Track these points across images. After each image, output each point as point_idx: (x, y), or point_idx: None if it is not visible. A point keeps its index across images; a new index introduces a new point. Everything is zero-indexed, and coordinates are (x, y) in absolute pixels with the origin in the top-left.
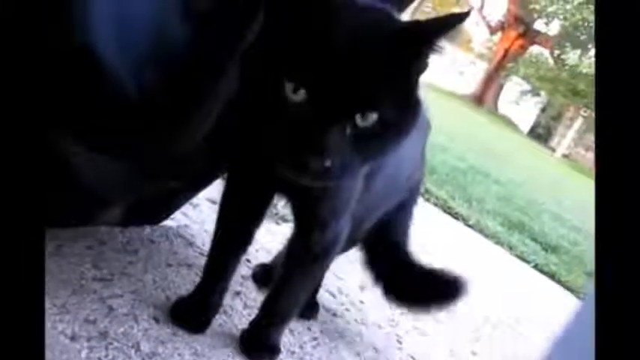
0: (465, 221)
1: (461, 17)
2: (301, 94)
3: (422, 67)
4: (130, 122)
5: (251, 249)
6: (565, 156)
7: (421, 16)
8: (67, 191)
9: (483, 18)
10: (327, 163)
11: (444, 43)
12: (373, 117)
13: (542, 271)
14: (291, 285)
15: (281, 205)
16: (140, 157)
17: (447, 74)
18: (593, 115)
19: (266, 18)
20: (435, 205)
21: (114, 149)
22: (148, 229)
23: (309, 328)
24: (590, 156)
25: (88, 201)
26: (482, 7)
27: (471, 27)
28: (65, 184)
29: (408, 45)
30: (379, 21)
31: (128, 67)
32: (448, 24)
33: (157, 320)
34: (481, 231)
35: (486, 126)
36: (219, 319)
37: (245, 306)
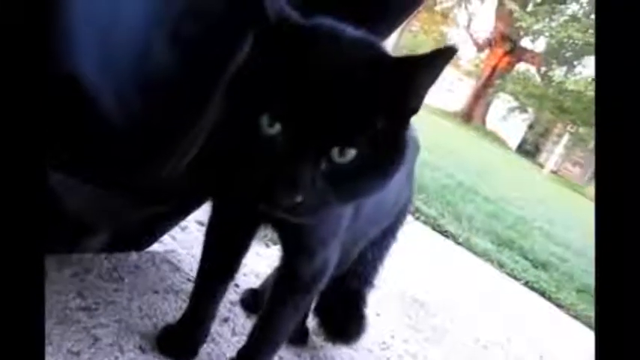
0: (455, 239)
1: (448, 54)
2: (277, 128)
3: (411, 105)
4: (114, 150)
5: (239, 273)
6: (553, 172)
7: (408, 35)
8: (52, 218)
9: (471, 35)
10: (298, 199)
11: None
12: (351, 153)
13: (532, 289)
14: (280, 314)
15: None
16: (125, 184)
17: (435, 91)
18: (580, 130)
19: (249, 48)
20: (425, 223)
21: (98, 176)
22: (134, 255)
23: (298, 355)
24: (578, 171)
25: (73, 228)
26: (469, 24)
27: (459, 44)
28: (49, 211)
29: (395, 81)
30: (364, 53)
31: (113, 95)
32: (441, 61)
33: (143, 350)
34: (471, 249)
35: (475, 142)
36: (207, 347)
37: (233, 333)
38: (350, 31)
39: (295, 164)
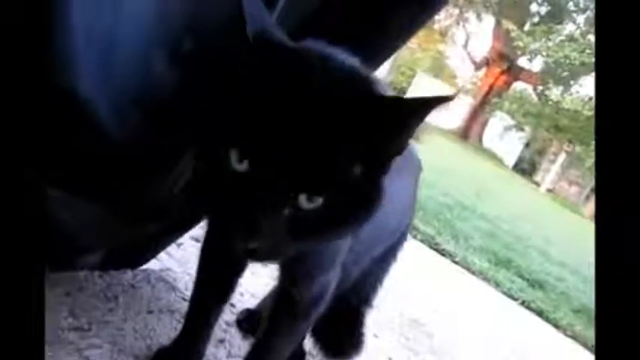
0: (452, 258)
1: (444, 99)
2: (245, 165)
3: (392, 150)
4: (111, 167)
5: (235, 293)
6: (549, 190)
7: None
8: (45, 234)
9: (468, 54)
10: (254, 246)
11: (420, 128)
12: (319, 201)
13: (529, 308)
14: (277, 338)
15: None
16: (120, 202)
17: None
18: (577, 149)
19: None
20: (422, 241)
21: (93, 193)
22: (128, 274)
23: None
24: (574, 190)
25: (67, 245)
26: (467, 43)
27: (456, 63)
28: (43, 227)
29: (379, 122)
30: (348, 88)
31: (111, 112)
32: (432, 105)
33: None
34: (468, 268)
35: (471, 161)
36: None
37: (229, 355)
38: (338, 59)
39: (256, 210)
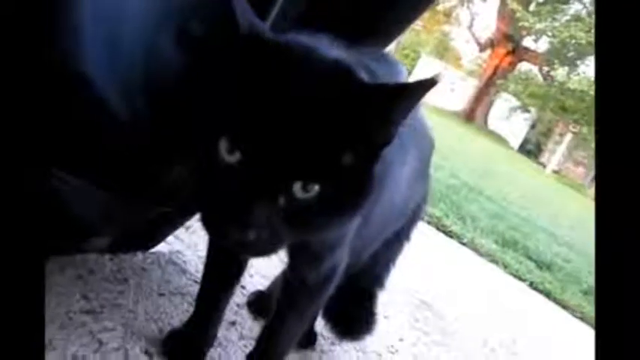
0: (460, 239)
1: (429, 84)
2: (236, 156)
3: (382, 138)
4: (121, 150)
5: (245, 275)
6: (555, 171)
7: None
8: (54, 218)
9: (473, 35)
10: (250, 237)
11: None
12: (315, 189)
13: (537, 289)
14: (287, 320)
15: None
16: (127, 186)
17: (437, 91)
18: (583, 130)
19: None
20: (429, 223)
21: (103, 177)
22: (139, 256)
23: (306, 358)
24: (580, 171)
25: (77, 229)
26: (471, 24)
27: (461, 44)
28: (52, 211)
29: (368, 111)
30: (336, 79)
31: (120, 95)
32: (417, 92)
33: (149, 354)
34: (475, 249)
35: (477, 142)
36: (214, 352)
37: (241, 336)
38: (325, 51)
39: (250, 200)
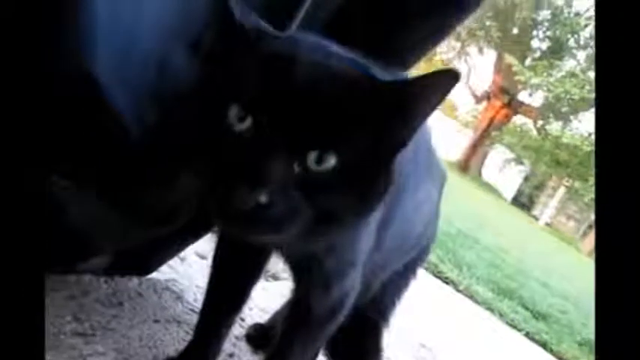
0: (455, 286)
1: (452, 79)
2: (247, 123)
3: (400, 134)
4: (125, 159)
5: (244, 307)
6: (547, 224)
7: None
8: (53, 231)
9: (469, 87)
10: (262, 199)
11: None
12: (330, 161)
13: (533, 340)
14: (289, 354)
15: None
16: (129, 200)
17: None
18: (575, 185)
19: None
20: (426, 269)
21: (102, 188)
22: (135, 281)
23: None
24: (572, 225)
25: (74, 245)
26: (468, 77)
27: (457, 96)
28: (51, 223)
29: (384, 105)
30: (351, 69)
31: (129, 102)
32: (439, 87)
33: None
34: (471, 297)
35: (471, 193)
36: None
37: None
38: (339, 48)
39: (263, 158)
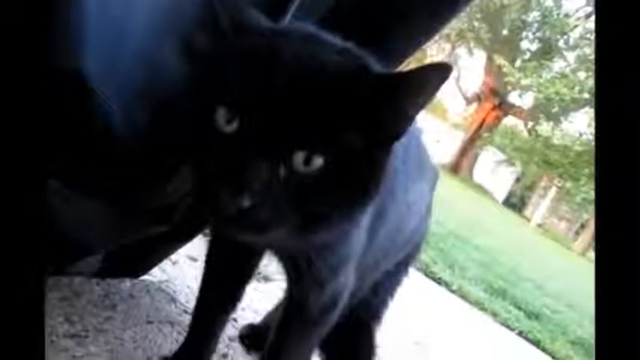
0: (448, 287)
1: (443, 72)
2: (234, 125)
3: (392, 128)
4: (117, 158)
5: (237, 307)
6: (539, 225)
7: None
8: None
9: (460, 89)
10: (245, 204)
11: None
12: (317, 163)
13: (526, 339)
14: (286, 351)
15: (264, 264)
16: (121, 199)
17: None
18: (567, 185)
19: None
20: (418, 269)
21: (94, 187)
22: (127, 283)
23: None
24: (564, 226)
25: (66, 245)
26: (458, 79)
27: (448, 98)
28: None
29: (376, 97)
30: (343, 60)
31: (119, 101)
32: (430, 80)
33: None
34: (464, 297)
35: (462, 194)
36: None
37: None
38: (333, 38)
39: (246, 161)
